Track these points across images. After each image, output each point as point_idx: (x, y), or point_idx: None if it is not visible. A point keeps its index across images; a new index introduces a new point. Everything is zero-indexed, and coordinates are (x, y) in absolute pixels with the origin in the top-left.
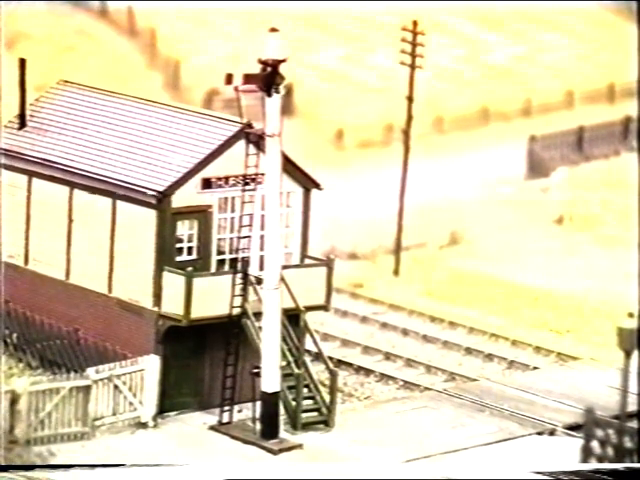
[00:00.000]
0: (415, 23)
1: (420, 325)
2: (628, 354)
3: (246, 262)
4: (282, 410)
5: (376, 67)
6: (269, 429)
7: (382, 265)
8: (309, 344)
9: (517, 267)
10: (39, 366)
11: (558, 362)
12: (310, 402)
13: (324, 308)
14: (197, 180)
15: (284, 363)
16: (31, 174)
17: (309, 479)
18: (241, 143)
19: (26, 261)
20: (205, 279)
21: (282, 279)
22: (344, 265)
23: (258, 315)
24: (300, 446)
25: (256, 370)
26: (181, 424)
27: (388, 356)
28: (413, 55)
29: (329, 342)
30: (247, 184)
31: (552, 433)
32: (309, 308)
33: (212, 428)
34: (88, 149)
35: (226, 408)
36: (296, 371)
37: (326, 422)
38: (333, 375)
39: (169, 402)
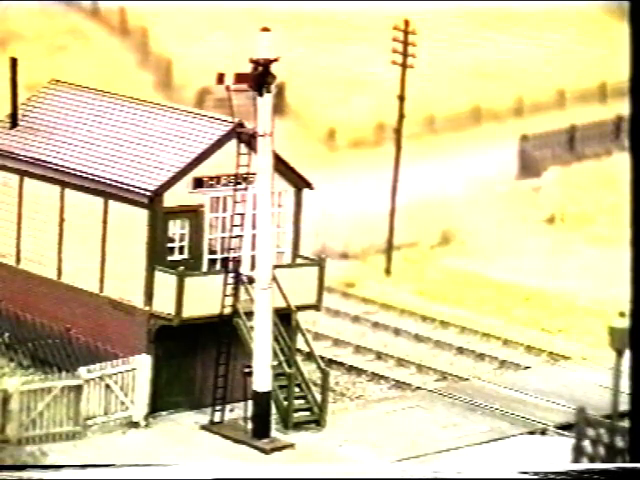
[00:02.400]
0: (407, 22)
1: (412, 324)
2: (620, 353)
3: (238, 262)
4: (274, 409)
5: (368, 66)
6: (261, 428)
7: (374, 264)
8: (301, 343)
9: (509, 266)
10: (31, 365)
11: (549, 361)
12: (302, 401)
13: (316, 307)
14: (189, 179)
15: (275, 362)
16: (23, 173)
17: (301, 479)
18: (233, 142)
19: (18, 260)
20: (197, 278)
21: (274, 278)
22: (336, 264)
23: (250, 314)
24: (292, 445)
25: (248, 369)
26: (173, 424)
27: (380, 355)
28: (405, 54)
29: (321, 341)
30: (239, 183)
31: (543, 432)
32: (301, 307)
33: (204, 427)
34: (80, 148)
35: (218, 407)
36: (288, 370)
37: (318, 421)
38: (325, 374)
39: (161, 401)
